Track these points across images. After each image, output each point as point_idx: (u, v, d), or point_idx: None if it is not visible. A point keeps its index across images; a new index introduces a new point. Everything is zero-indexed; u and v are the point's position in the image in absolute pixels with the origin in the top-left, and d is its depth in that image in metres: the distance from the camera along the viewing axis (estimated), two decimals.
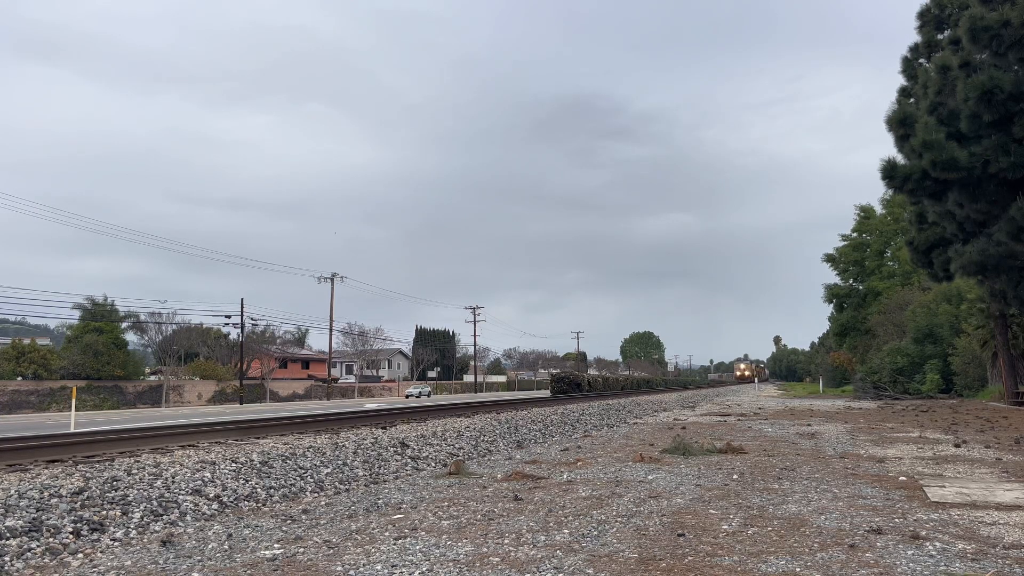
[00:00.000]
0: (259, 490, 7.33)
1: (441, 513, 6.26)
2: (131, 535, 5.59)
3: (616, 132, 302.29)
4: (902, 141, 19.74)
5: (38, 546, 5.06)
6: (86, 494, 6.18)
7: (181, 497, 6.59)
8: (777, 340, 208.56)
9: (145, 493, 6.48)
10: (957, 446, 11.38)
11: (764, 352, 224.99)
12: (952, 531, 5.28)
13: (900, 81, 23.40)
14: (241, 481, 7.48)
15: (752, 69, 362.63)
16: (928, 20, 21.73)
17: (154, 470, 7.37)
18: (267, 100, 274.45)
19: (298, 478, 8.07)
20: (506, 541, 5.15)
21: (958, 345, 34.43)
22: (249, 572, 4.49)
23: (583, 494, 7.13)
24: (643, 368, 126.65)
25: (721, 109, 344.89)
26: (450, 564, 4.52)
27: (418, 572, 4.36)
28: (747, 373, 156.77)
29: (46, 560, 4.89)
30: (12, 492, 6.01)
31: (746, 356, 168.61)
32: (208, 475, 7.42)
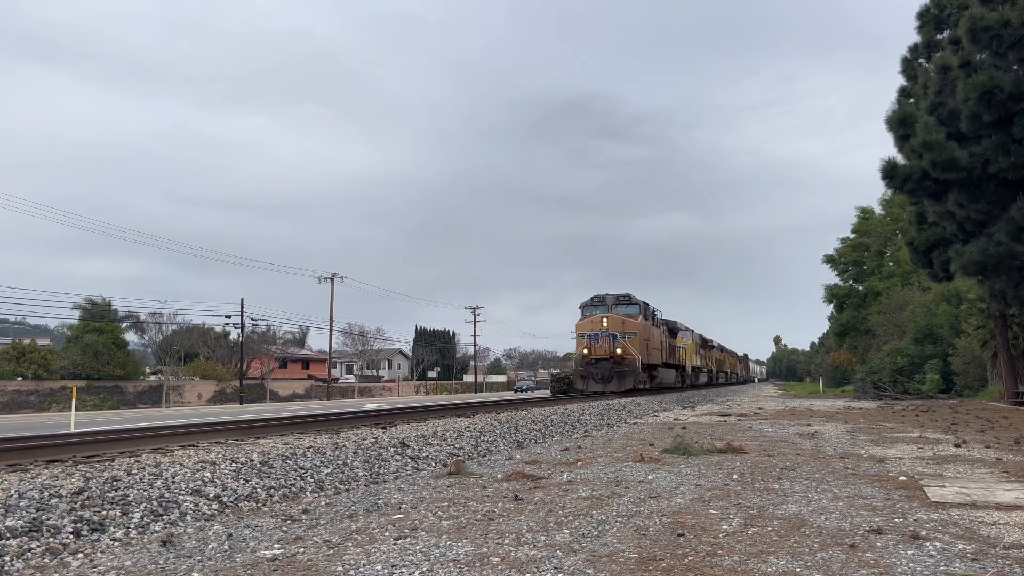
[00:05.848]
0: (259, 490, 7.33)
1: (441, 513, 6.26)
2: (131, 535, 5.59)
3: (611, 133, 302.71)
4: (902, 141, 19.74)
5: (38, 546, 5.06)
6: (86, 494, 6.18)
7: (181, 497, 6.59)
8: (777, 340, 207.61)
9: (145, 493, 6.48)
10: (957, 446, 11.38)
11: (764, 352, 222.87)
12: (952, 531, 5.28)
13: (894, 83, 23.51)
14: (241, 481, 7.48)
15: (745, 70, 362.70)
16: (928, 20, 21.73)
17: (154, 470, 7.37)
18: (264, 101, 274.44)
19: (298, 478, 8.07)
20: (506, 541, 5.15)
21: (958, 345, 34.43)
22: (249, 572, 4.49)
23: (583, 494, 7.13)
24: None
25: (715, 110, 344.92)
26: (450, 564, 4.53)
27: (418, 572, 4.36)
28: (621, 351, 29.22)
29: (46, 560, 4.89)
30: (12, 492, 6.01)
31: (626, 296, 30.04)
32: (208, 475, 7.42)
